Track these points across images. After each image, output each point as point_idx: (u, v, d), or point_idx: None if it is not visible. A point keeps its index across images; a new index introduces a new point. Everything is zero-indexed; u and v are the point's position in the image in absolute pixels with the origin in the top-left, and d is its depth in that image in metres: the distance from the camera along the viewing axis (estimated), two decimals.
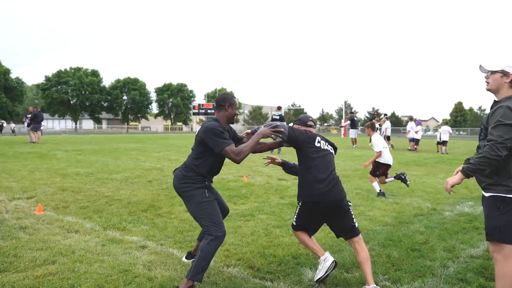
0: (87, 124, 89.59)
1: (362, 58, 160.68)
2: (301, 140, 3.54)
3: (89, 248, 4.24)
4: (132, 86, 76.48)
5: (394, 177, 7.56)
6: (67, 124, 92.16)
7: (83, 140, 28.78)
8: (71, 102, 71.92)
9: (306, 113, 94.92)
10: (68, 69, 72.66)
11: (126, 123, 79.65)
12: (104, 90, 73.90)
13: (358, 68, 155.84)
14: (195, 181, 3.44)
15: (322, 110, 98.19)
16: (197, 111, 60.94)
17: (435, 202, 6.93)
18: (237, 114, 3.64)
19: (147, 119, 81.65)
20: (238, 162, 3.35)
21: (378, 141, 7.38)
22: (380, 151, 7.31)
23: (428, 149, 21.41)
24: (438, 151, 19.34)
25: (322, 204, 3.41)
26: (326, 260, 3.56)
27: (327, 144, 3.66)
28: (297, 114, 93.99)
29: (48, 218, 5.38)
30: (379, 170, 7.50)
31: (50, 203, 6.25)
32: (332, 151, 3.68)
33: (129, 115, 78.74)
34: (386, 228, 5.24)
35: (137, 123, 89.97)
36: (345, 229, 3.50)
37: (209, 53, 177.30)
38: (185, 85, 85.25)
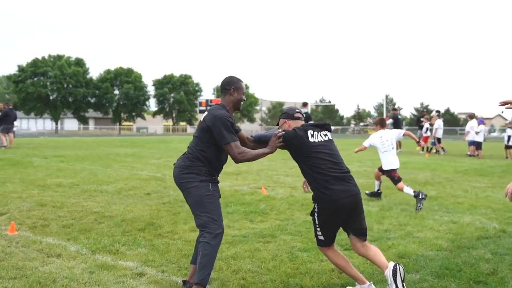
0: (71, 124, 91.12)
1: (407, 43, 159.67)
2: (296, 145, 3.94)
3: (74, 276, 4.29)
4: (125, 78, 77.45)
5: (414, 194, 7.71)
6: (45, 124, 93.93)
7: (66, 143, 29.22)
8: (51, 98, 73.09)
9: (338, 110, 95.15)
10: (46, 58, 73.77)
11: (118, 123, 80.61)
12: (91, 83, 74.96)
13: (403, 56, 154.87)
14: (201, 172, 3.86)
15: (358, 106, 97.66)
16: (204, 108, 61.16)
17: (504, 221, 6.81)
18: (244, 100, 4.06)
19: (143, 118, 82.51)
20: (237, 162, 3.82)
21: (371, 137, 8.31)
22: (365, 146, 8.25)
23: (493, 154, 21.05)
24: (507, 157, 19.02)
25: (347, 201, 3.77)
26: (389, 269, 3.70)
27: (319, 131, 4.05)
28: (327, 112, 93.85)
29: (23, 240, 5.47)
30: (385, 174, 8.33)
31: (25, 221, 6.36)
32: (329, 135, 4.08)
33: (122, 114, 79.74)
34: (441, 253, 5.17)
35: (131, 123, 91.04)
36: (361, 230, 3.92)
37: (219, 39, 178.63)
38: (190, 77, 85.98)
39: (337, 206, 3.76)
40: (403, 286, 3.65)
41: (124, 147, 24.92)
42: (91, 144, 28.47)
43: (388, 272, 3.71)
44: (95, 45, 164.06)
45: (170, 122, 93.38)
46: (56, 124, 74.48)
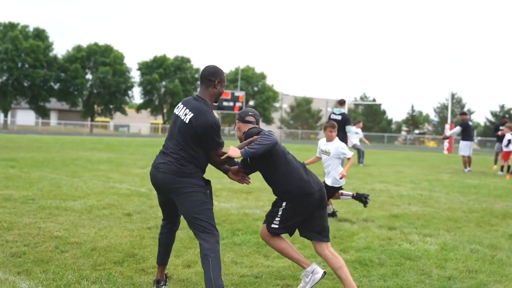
0: (25, 117, 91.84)
1: (478, 27, 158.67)
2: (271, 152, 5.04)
3: None
4: (101, 58, 77.95)
5: (353, 196, 9.44)
6: None
7: (18, 143, 29.48)
8: None
9: (385, 112, 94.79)
10: None
11: (89, 119, 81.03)
12: (54, 63, 75.30)
13: (474, 44, 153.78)
14: (196, 176, 4.79)
15: (412, 108, 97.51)
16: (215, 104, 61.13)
17: None
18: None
19: (124, 113, 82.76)
20: (218, 166, 5.05)
21: (345, 145, 9.28)
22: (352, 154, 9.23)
23: None
24: None
25: (316, 196, 5.03)
26: (315, 273, 5.08)
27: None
28: (370, 114, 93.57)
29: None
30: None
31: None
32: None
33: (95, 106, 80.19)
34: None
35: (107, 119, 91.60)
36: (322, 227, 5.15)
37: (226, 14, 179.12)
38: (188, 61, 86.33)
39: (305, 201, 5.01)
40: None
41: (97, 151, 25.10)
42: (53, 145, 28.73)
43: (313, 275, 5.09)
44: (61, 13, 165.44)
45: (159, 120, 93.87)
46: (6, 116, 74.82)
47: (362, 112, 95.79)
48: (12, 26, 73.26)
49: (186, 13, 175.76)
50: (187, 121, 4.73)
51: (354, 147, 23.33)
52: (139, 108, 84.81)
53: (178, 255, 6.45)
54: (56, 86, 76.44)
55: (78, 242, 6.78)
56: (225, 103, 71.43)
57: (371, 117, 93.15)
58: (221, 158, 4.83)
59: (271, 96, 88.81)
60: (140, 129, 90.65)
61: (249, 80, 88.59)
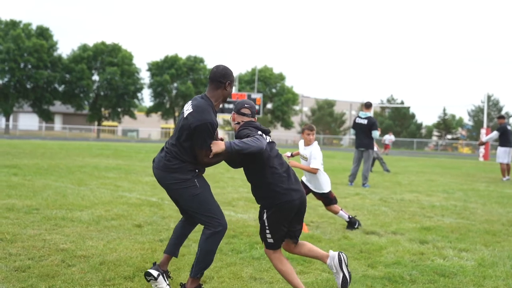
0: (28, 121, 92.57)
1: None
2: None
3: None
4: (109, 58, 78.40)
5: (348, 220, 9.49)
6: None
7: (21, 148, 29.72)
8: (0, 82, 74.08)
9: (414, 116, 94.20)
10: None
11: (96, 123, 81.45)
12: (59, 64, 75.79)
13: (510, 43, 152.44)
14: (184, 172, 5.21)
15: (444, 111, 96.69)
16: (221, 104, 61.09)
17: None
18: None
19: (133, 116, 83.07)
20: (200, 165, 5.32)
21: (319, 154, 9.27)
22: (317, 169, 9.21)
23: None
24: None
25: (299, 200, 5.39)
26: (333, 258, 5.58)
27: (264, 134, 5.51)
28: (398, 118, 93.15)
29: None
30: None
31: None
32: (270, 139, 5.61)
33: (102, 109, 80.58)
34: None
35: (115, 124, 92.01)
36: (299, 231, 5.63)
37: (242, 12, 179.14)
38: (201, 60, 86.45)
39: (290, 207, 5.33)
40: (348, 272, 5.51)
41: (104, 157, 25.23)
42: (58, 151, 28.93)
43: (332, 262, 5.55)
44: (66, 10, 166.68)
45: (170, 124, 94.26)
46: (7, 120, 75.26)
47: (389, 115, 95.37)
48: (14, 24, 73.88)
49: (199, 10, 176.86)
50: (185, 115, 5.16)
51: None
52: (149, 111, 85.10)
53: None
54: (61, 88, 76.97)
55: (86, 256, 6.81)
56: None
57: (398, 121, 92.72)
58: (208, 156, 5.17)
59: (290, 98, 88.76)
60: (150, 134, 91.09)
61: (267, 81, 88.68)
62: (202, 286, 5.49)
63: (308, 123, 9.60)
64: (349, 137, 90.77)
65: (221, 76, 5.26)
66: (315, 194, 9.51)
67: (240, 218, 9.93)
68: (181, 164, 5.19)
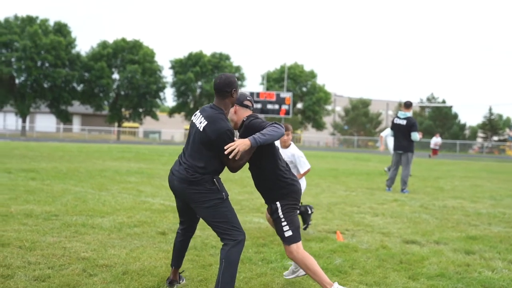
0: (46, 122, 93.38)
1: None
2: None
3: None
4: (129, 55, 78.73)
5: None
6: (7, 121, 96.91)
7: (39, 151, 30.01)
8: (17, 81, 74.93)
9: (457, 116, 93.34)
10: (11, 19, 75.20)
11: (116, 124, 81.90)
12: (77, 62, 76.24)
13: None
14: (209, 183, 5.54)
15: (490, 110, 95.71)
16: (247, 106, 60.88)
17: None
18: None
19: (155, 117, 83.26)
20: (232, 172, 5.71)
21: (302, 153, 9.59)
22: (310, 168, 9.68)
23: None
24: None
25: (301, 191, 6.04)
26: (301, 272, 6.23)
27: None
28: (439, 118, 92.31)
29: None
30: None
31: None
32: None
33: (123, 109, 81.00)
34: None
35: (136, 125, 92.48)
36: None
37: (271, 6, 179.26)
38: (227, 57, 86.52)
39: (299, 194, 5.92)
40: None
41: (126, 161, 25.39)
42: (77, 154, 29.16)
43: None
44: (84, 5, 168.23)
45: None
46: (24, 121, 76.01)
47: (429, 115, 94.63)
48: (30, 20, 74.64)
49: (225, 4, 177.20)
50: (201, 129, 5.54)
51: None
52: (171, 112, 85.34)
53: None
54: (79, 88, 77.56)
55: (108, 265, 6.85)
56: (269, 106, 71.36)
57: (439, 121, 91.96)
58: (232, 156, 5.34)
59: (322, 97, 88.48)
60: (173, 135, 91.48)
61: (297, 79, 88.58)
62: None
63: (285, 123, 9.51)
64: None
65: (226, 86, 5.63)
66: None
67: (269, 225, 9.91)
68: (204, 176, 5.52)
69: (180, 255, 6.17)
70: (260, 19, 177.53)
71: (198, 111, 5.80)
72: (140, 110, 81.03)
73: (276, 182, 5.79)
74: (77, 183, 14.82)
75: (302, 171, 9.46)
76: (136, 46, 79.30)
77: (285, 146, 9.32)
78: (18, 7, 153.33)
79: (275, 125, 5.58)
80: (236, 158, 5.43)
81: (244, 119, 5.85)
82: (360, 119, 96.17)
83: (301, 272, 6.30)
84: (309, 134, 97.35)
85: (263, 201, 12.86)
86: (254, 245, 8.21)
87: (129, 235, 8.57)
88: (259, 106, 70.08)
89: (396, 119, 16.69)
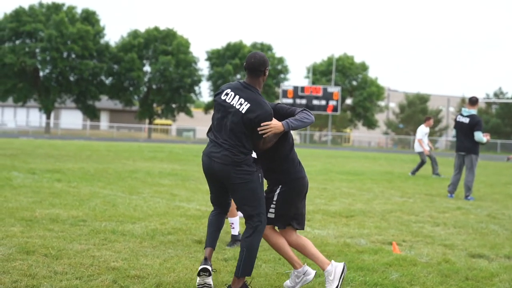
0: (71, 118, 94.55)
1: None
2: None
3: None
4: (162, 46, 79.08)
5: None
6: (31, 116, 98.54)
7: (65, 150, 30.40)
8: (41, 74, 75.82)
9: None
10: (36, 7, 76.01)
11: (147, 121, 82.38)
12: (106, 52, 76.72)
13: None
14: (250, 164, 6.17)
15: None
16: (291, 100, 61.06)
17: None
18: None
19: (189, 113, 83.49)
20: (261, 150, 6.36)
21: None
22: None
23: None
24: None
25: (306, 180, 6.63)
26: (307, 274, 6.57)
27: None
28: (506, 115, 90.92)
29: None
30: None
31: (0, 278, 6.58)
32: None
33: (154, 105, 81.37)
34: None
35: (169, 122, 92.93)
36: (302, 216, 6.73)
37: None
38: (269, 48, 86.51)
39: (304, 182, 6.55)
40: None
41: (158, 161, 25.58)
42: (105, 154, 29.46)
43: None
44: None
45: None
46: (48, 117, 76.88)
47: (497, 113, 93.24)
48: (56, 7, 75.47)
49: None
50: (244, 111, 6.07)
51: (420, 155, 24.41)
52: (207, 107, 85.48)
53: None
54: (108, 81, 78.18)
55: (140, 276, 6.89)
56: (315, 102, 71.24)
57: (508, 119, 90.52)
58: (265, 135, 6.07)
59: (374, 92, 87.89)
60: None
61: (346, 72, 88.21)
62: (248, 285, 6.34)
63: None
64: (446, 138, 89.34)
65: (261, 65, 6.22)
66: None
67: (317, 234, 9.90)
68: (246, 156, 6.14)
69: (216, 234, 6.50)
70: (306, 5, 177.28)
71: (229, 89, 6.27)
72: (173, 105, 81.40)
73: (287, 166, 6.41)
74: (105, 186, 14.97)
75: None
76: (169, 35, 79.68)
77: None
78: None
79: (306, 111, 6.32)
80: (267, 141, 6.17)
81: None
82: (417, 116, 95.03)
83: (308, 277, 6.58)
84: (359, 133, 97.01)
85: (309, 207, 12.86)
86: (300, 256, 8.15)
87: (163, 243, 8.62)
88: (303, 101, 70.02)
89: (459, 116, 16.47)
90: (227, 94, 6.22)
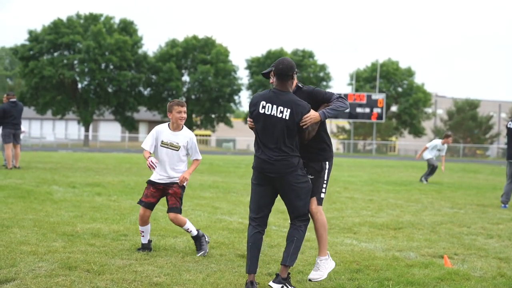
0: (110, 130, 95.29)
1: None
2: None
3: None
4: (201, 55, 79.45)
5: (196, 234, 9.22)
6: (69, 129, 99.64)
7: (104, 163, 30.70)
8: (79, 86, 76.70)
9: None
10: (74, 18, 77.01)
11: None
12: (144, 63, 77.27)
13: None
14: (302, 167, 6.98)
15: None
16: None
17: None
18: None
19: (229, 124, 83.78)
20: (304, 142, 7.15)
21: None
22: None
23: None
24: None
25: None
26: (329, 260, 7.44)
27: None
28: None
29: None
30: None
31: None
32: None
33: (193, 115, 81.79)
34: None
35: (208, 133, 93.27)
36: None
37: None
38: (311, 55, 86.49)
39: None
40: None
41: (198, 173, 25.69)
42: (144, 166, 29.53)
43: (325, 264, 7.32)
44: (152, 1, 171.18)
45: None
46: (87, 130, 77.62)
47: None
48: (94, 18, 76.44)
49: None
50: (287, 117, 6.79)
51: (428, 161, 24.54)
52: (247, 117, 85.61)
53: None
54: (146, 92, 78.81)
55: None
56: (359, 110, 70.87)
57: None
58: (305, 126, 6.82)
59: (421, 98, 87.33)
60: (249, 144, 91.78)
61: (391, 78, 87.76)
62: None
63: (176, 99, 9.14)
64: (498, 145, 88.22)
65: (290, 70, 6.95)
66: (168, 189, 9.01)
67: (364, 248, 9.86)
68: (299, 160, 6.96)
69: (258, 256, 7.06)
70: (348, 11, 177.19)
71: (264, 101, 6.95)
72: (213, 116, 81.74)
73: (326, 145, 7.31)
74: None
75: (199, 158, 9.42)
76: (208, 44, 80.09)
77: (178, 128, 9.08)
78: (81, 3, 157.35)
79: (342, 99, 7.10)
80: (309, 133, 6.92)
81: (300, 85, 7.34)
82: (466, 123, 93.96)
83: (326, 267, 7.33)
84: (405, 141, 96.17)
85: (355, 219, 12.86)
86: (347, 270, 8.17)
87: (205, 258, 8.68)
88: (347, 110, 69.70)
89: (510, 123, 16.32)
90: (264, 107, 6.90)
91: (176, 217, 8.93)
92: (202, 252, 8.87)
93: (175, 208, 8.92)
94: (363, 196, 17.67)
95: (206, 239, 9.11)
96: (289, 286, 6.95)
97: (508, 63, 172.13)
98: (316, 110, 7.05)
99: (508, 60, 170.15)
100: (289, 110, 6.77)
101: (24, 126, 26.92)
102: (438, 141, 24.51)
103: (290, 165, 6.83)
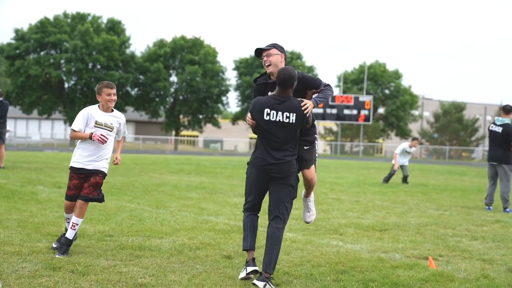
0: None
1: None
2: None
3: None
4: (189, 55, 79.36)
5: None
6: (55, 129, 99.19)
7: None
8: (66, 85, 76.48)
9: None
10: (61, 17, 76.73)
11: (174, 132, 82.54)
12: (132, 62, 77.13)
13: None
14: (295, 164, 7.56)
15: None
16: (321, 109, 60.70)
17: None
18: None
19: (216, 124, 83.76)
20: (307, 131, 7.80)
21: None
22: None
23: None
24: None
25: None
26: (313, 201, 8.52)
27: None
28: None
29: None
30: None
31: None
32: None
33: (181, 116, 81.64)
34: None
35: (196, 133, 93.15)
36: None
37: None
38: (299, 56, 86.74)
39: None
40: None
41: (185, 174, 25.67)
42: (131, 166, 29.64)
43: (313, 204, 8.42)
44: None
45: None
46: None
47: None
48: (81, 17, 76.15)
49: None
50: (293, 122, 7.28)
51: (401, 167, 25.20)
52: (235, 118, 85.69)
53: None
54: (133, 92, 78.64)
55: None
56: (346, 111, 71.12)
57: None
58: (307, 112, 7.34)
59: (407, 101, 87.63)
60: (237, 145, 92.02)
61: (378, 80, 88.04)
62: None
63: (105, 81, 9.10)
64: (484, 148, 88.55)
65: (291, 79, 7.31)
66: (91, 176, 9.05)
67: (350, 249, 9.87)
68: (296, 162, 7.57)
69: (255, 234, 7.68)
70: (336, 12, 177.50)
71: (268, 109, 7.30)
72: (200, 116, 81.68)
73: (312, 133, 7.82)
74: (132, 200, 15.07)
75: (124, 136, 9.71)
76: (196, 44, 79.99)
77: (109, 109, 9.01)
78: (68, 3, 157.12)
79: (329, 86, 7.70)
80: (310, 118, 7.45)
81: None
82: (452, 126, 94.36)
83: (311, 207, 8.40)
84: (392, 143, 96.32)
85: (342, 220, 12.87)
86: (332, 271, 8.17)
87: (191, 259, 8.65)
88: (334, 111, 69.93)
89: (492, 125, 16.38)
90: (269, 114, 7.29)
91: (82, 206, 8.74)
92: (62, 256, 8.38)
93: (87, 197, 8.82)
94: (349, 198, 17.70)
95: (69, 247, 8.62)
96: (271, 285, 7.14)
97: (494, 66, 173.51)
98: (304, 93, 7.60)
99: (494, 63, 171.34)
100: (294, 115, 7.26)
101: (10, 125, 26.77)
102: (405, 144, 25.47)
103: (292, 166, 7.41)
